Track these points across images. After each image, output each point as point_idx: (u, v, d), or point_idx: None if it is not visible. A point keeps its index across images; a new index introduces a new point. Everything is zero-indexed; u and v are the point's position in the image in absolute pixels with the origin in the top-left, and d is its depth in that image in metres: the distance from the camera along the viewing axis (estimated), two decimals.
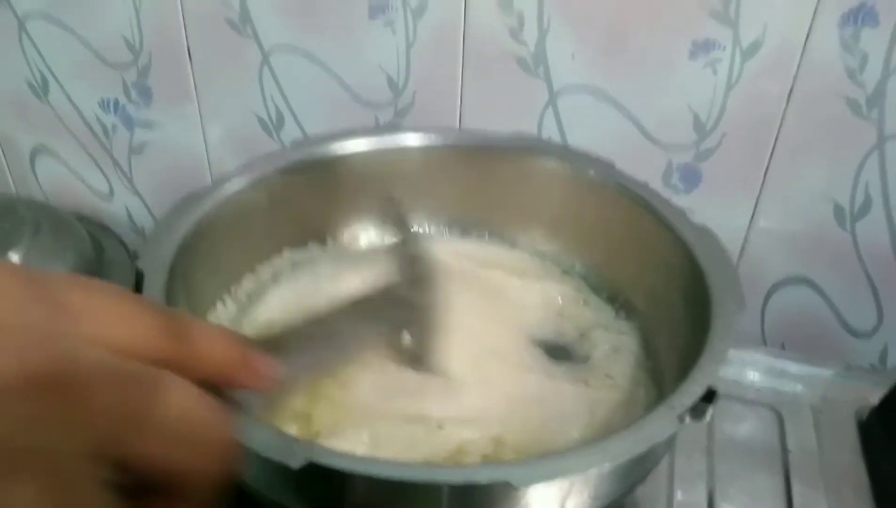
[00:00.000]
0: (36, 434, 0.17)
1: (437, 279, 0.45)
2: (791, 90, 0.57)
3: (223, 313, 0.49)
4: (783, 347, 0.68)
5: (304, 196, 0.54)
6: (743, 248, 0.64)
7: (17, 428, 0.17)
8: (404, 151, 0.55)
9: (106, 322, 0.20)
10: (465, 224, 0.58)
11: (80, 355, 0.19)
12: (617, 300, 0.52)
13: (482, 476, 0.29)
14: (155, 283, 0.39)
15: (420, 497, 0.32)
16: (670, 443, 0.39)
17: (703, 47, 0.57)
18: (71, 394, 0.18)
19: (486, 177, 0.56)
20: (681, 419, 0.33)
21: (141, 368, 0.20)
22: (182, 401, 0.20)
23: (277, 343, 0.30)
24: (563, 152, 0.55)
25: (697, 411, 0.36)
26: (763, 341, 0.68)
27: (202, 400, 0.20)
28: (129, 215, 0.82)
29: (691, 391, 0.34)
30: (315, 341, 0.33)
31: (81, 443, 0.18)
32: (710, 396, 0.36)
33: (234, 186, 0.49)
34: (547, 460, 0.31)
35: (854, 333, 0.65)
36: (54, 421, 0.17)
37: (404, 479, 0.30)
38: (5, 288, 0.19)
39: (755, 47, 0.56)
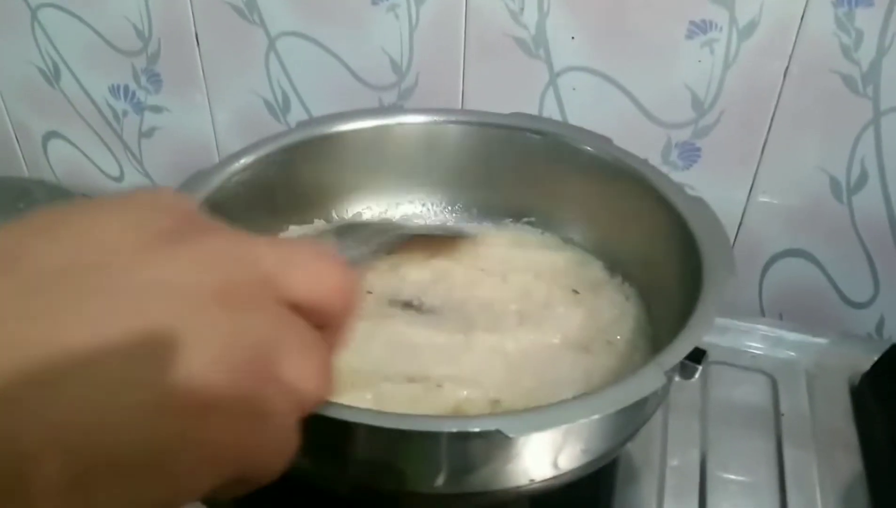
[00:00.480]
0: None
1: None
2: (787, 68, 0.58)
3: None
4: (781, 317, 0.69)
5: (309, 174, 0.56)
6: (741, 221, 0.65)
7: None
8: (406, 129, 0.57)
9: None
10: (466, 201, 0.60)
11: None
12: (616, 270, 0.54)
13: (476, 425, 0.31)
14: None
15: (417, 447, 0.33)
16: (661, 399, 0.41)
17: (700, 27, 0.58)
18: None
19: (486, 155, 0.58)
20: (668, 375, 0.35)
21: None
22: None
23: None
24: (561, 129, 0.57)
25: (686, 370, 0.38)
26: (761, 311, 0.69)
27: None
28: None
29: (679, 349, 0.36)
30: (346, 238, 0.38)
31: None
32: (698, 356, 0.37)
33: (241, 164, 0.51)
34: (539, 411, 0.32)
35: (851, 304, 0.67)
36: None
37: (401, 429, 0.31)
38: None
39: (751, 27, 0.57)
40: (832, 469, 0.49)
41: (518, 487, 0.36)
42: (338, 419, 0.31)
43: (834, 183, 0.62)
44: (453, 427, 0.31)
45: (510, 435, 0.30)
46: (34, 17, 0.73)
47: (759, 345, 0.59)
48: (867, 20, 0.55)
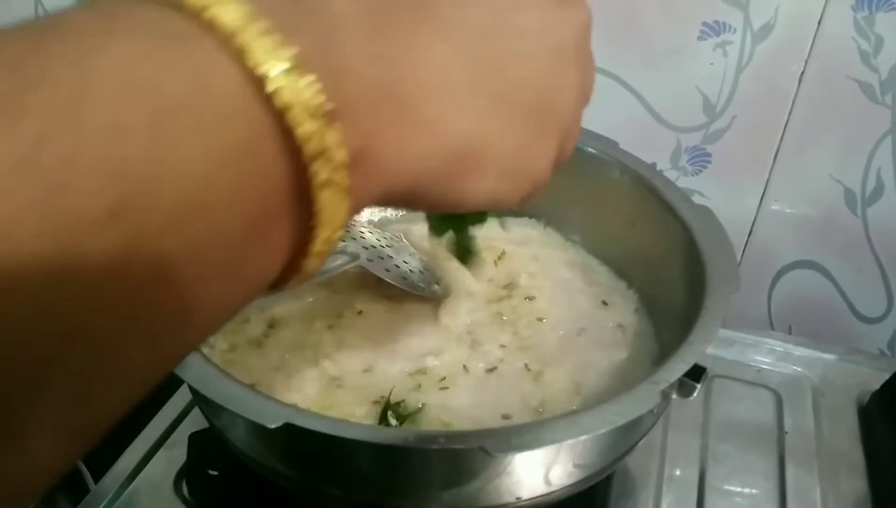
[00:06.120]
0: None
1: None
2: (803, 73, 0.56)
3: None
4: (790, 330, 0.67)
5: None
6: (751, 231, 0.64)
7: None
8: None
9: None
10: None
11: None
12: (620, 275, 0.52)
13: (459, 442, 0.30)
14: None
15: (403, 461, 0.32)
16: (658, 416, 0.39)
17: (713, 29, 0.56)
18: None
19: None
20: (664, 394, 0.33)
21: None
22: None
23: None
24: None
25: (685, 387, 0.36)
26: (770, 324, 0.68)
27: None
28: None
29: (675, 368, 0.34)
30: None
31: None
32: (698, 374, 0.36)
33: None
34: (524, 430, 0.31)
35: (863, 318, 0.65)
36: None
37: (386, 443, 0.30)
38: None
39: (767, 29, 0.55)
40: (836, 491, 0.48)
41: (505, 505, 0.35)
42: (322, 432, 0.30)
43: (848, 194, 0.60)
44: (436, 444, 0.30)
45: (493, 454, 0.29)
46: (38, 3, 0.73)
47: (765, 359, 0.57)
48: (888, 25, 0.53)
